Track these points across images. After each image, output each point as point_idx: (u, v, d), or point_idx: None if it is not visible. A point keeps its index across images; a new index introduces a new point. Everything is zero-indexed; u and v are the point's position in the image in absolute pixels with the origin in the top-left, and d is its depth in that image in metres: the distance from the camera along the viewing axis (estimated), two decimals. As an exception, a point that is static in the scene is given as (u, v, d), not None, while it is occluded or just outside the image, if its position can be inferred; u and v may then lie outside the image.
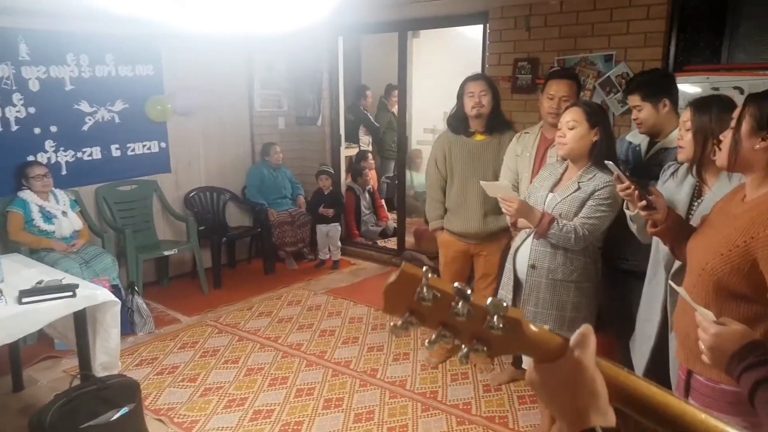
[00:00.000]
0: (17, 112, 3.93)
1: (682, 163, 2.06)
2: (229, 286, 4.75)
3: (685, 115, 1.97)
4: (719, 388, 1.44)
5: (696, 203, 1.99)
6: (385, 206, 6.31)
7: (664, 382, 1.83)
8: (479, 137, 3.13)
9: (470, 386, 3.19)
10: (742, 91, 3.07)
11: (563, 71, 3.33)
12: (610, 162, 2.01)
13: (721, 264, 1.39)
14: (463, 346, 0.57)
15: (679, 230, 1.71)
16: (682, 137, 1.98)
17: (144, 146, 4.65)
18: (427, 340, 0.57)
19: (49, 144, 4.12)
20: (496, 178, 3.03)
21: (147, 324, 3.86)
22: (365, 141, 6.80)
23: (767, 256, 1.30)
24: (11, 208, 3.66)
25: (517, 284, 2.57)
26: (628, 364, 2.15)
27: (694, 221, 1.83)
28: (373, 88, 6.82)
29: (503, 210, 2.48)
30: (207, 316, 4.17)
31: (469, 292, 0.54)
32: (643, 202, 1.74)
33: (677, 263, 1.96)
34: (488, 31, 4.27)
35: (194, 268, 4.70)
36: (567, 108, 2.49)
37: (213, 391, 3.15)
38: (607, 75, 3.70)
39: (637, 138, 2.60)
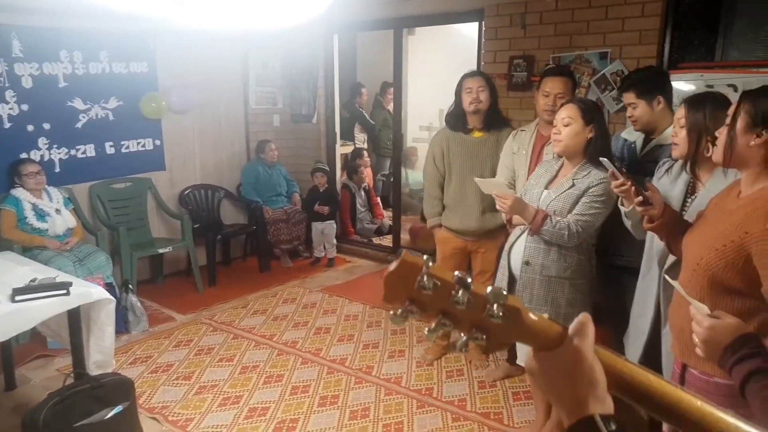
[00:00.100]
0: (10, 109, 3.90)
1: (676, 160, 2.06)
2: (224, 284, 4.74)
3: (680, 112, 1.97)
4: (713, 381, 1.45)
5: (690, 199, 2.00)
6: (380, 204, 6.31)
7: (658, 377, 1.83)
8: (477, 134, 3.13)
9: (465, 383, 3.20)
10: (736, 89, 3.08)
11: (558, 68, 3.34)
12: (605, 159, 2.01)
13: (716, 259, 1.40)
14: (462, 334, 0.57)
15: (675, 226, 1.72)
16: (676, 134, 1.99)
17: (138, 144, 4.63)
18: (426, 328, 0.57)
19: (42, 141, 4.09)
20: (493, 175, 3.03)
21: (141, 322, 3.85)
22: (360, 138, 6.80)
23: (761, 251, 1.31)
24: (3, 206, 3.64)
25: (512, 281, 2.57)
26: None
27: (688, 217, 1.84)
28: (368, 86, 6.81)
29: (497, 207, 2.48)
30: (202, 314, 4.16)
31: (469, 280, 0.54)
32: (640, 198, 1.74)
33: (671, 259, 1.97)
34: (484, 28, 4.27)
35: (189, 265, 4.68)
36: (562, 105, 2.49)
37: (208, 389, 3.14)
38: (602, 72, 3.71)
39: (632, 135, 2.61)
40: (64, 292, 2.46)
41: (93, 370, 2.64)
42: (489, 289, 0.55)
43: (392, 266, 0.54)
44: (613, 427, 0.57)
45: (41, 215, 3.72)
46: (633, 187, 1.77)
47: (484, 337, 0.56)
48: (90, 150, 4.36)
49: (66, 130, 4.20)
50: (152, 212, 4.73)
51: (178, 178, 4.93)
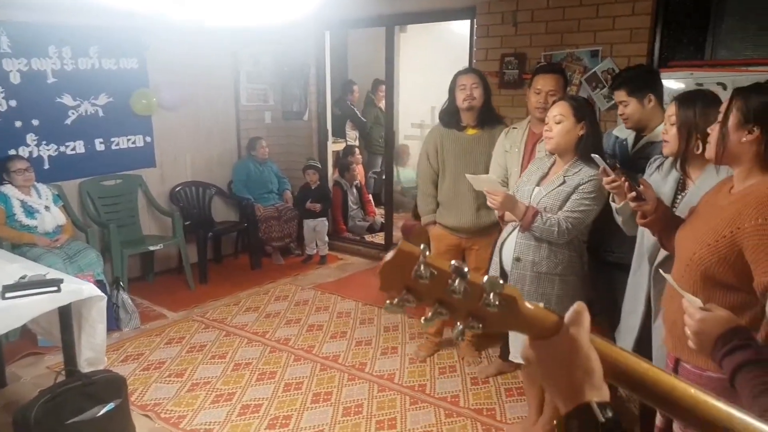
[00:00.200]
0: (-2, 105, 3.87)
1: (667, 157, 2.08)
2: (216, 282, 4.72)
3: (670, 110, 1.99)
4: (706, 375, 1.47)
5: (680, 196, 2.02)
6: (372, 201, 6.31)
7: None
8: (471, 131, 3.14)
9: (458, 379, 3.21)
10: (725, 87, 3.12)
11: (550, 66, 3.35)
12: (597, 155, 2.03)
13: (709, 254, 1.42)
14: (458, 323, 0.58)
15: (667, 221, 1.74)
16: (667, 131, 2.00)
17: (129, 140, 4.60)
18: (423, 317, 0.58)
19: (30, 138, 4.06)
20: (487, 171, 3.04)
21: (132, 320, 3.83)
22: (352, 136, 6.80)
23: (753, 246, 1.33)
24: (-8, 203, 3.60)
25: (503, 277, 2.58)
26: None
27: (679, 213, 1.85)
28: (359, 83, 6.81)
29: (488, 203, 2.49)
30: (193, 311, 4.14)
31: (466, 269, 0.54)
32: (633, 193, 1.76)
33: (661, 255, 1.99)
34: (475, 26, 4.28)
35: (180, 263, 4.66)
36: (554, 102, 2.51)
37: (200, 386, 3.13)
38: (593, 70, 3.73)
39: (623, 132, 2.63)
40: (55, 289, 2.44)
41: (84, 368, 2.63)
42: (485, 278, 0.56)
43: (389, 255, 0.54)
44: (610, 414, 0.57)
45: (30, 212, 3.69)
46: (627, 183, 1.79)
47: (480, 325, 0.57)
48: (80, 146, 4.33)
49: (55, 127, 4.17)
50: (143, 209, 4.70)
51: (168, 175, 4.90)
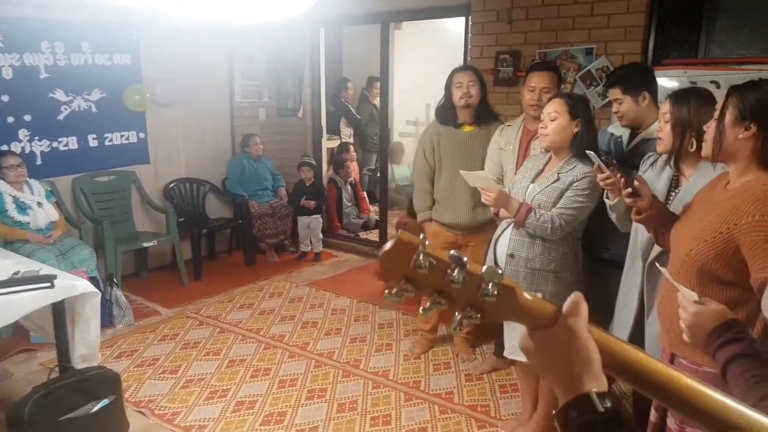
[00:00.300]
0: (-11, 100, 3.84)
1: (660, 154, 2.09)
2: (210, 278, 4.71)
3: (665, 107, 2.00)
4: (702, 370, 1.48)
5: (674, 193, 2.04)
6: (366, 198, 6.31)
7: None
8: (467, 128, 3.14)
9: (452, 376, 3.22)
10: (718, 86, 3.13)
11: (544, 63, 3.36)
12: (591, 152, 2.04)
13: (705, 250, 1.43)
14: (456, 313, 0.58)
15: (662, 217, 1.75)
16: (661, 129, 2.01)
17: (122, 136, 4.58)
18: (421, 308, 0.58)
19: (23, 133, 4.03)
20: (483, 169, 3.04)
21: (126, 316, 3.82)
22: (346, 133, 6.79)
23: (749, 242, 1.34)
24: (-16, 199, 3.58)
25: (498, 273, 2.58)
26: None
27: (673, 210, 1.87)
28: (354, 81, 6.80)
29: (482, 199, 2.49)
30: (187, 308, 4.13)
31: (465, 259, 0.54)
32: (629, 189, 1.77)
33: (654, 251, 2.00)
34: (470, 23, 4.28)
35: (174, 260, 4.65)
36: (549, 99, 2.51)
37: (194, 382, 3.12)
38: (587, 68, 3.75)
39: (618, 129, 2.64)
40: (49, 285, 2.42)
41: (78, 364, 2.61)
42: (484, 267, 0.56)
43: (388, 245, 0.54)
44: (608, 404, 0.58)
45: (22, 208, 3.66)
46: (623, 179, 1.80)
47: (479, 315, 0.57)
48: (72, 142, 4.30)
49: (48, 122, 4.14)
50: (136, 206, 4.68)
51: (162, 171, 4.89)
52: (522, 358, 2.52)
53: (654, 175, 2.11)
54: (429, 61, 6.38)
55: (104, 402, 2.46)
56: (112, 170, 4.53)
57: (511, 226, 2.51)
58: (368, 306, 4.17)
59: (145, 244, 4.43)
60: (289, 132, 5.69)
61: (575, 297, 0.62)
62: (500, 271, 0.56)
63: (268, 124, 5.66)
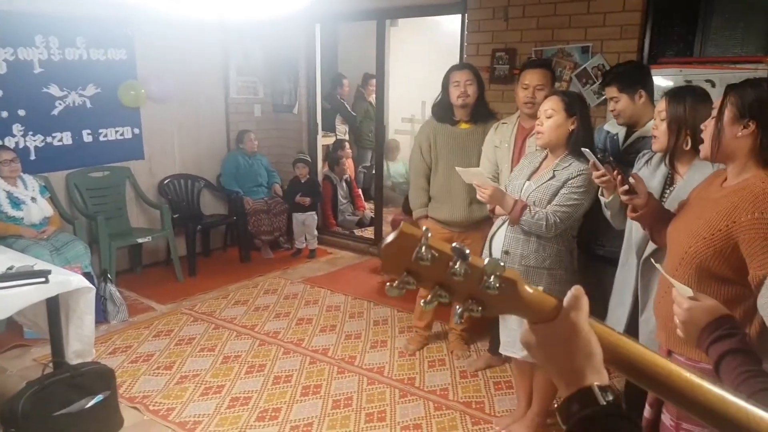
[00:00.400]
0: (-17, 95, 3.81)
1: (656, 152, 2.10)
2: (204, 275, 4.70)
3: (660, 105, 2.01)
4: (699, 367, 1.48)
5: (668, 190, 2.05)
6: (362, 196, 6.30)
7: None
8: (464, 126, 3.15)
9: (447, 372, 3.23)
10: (713, 84, 3.14)
11: (537, 61, 3.37)
12: (587, 150, 2.04)
13: (704, 247, 1.44)
14: (457, 306, 0.58)
15: (658, 215, 1.76)
16: (656, 127, 2.02)
17: (117, 132, 4.55)
18: (422, 300, 0.58)
19: (17, 128, 4.00)
20: (479, 166, 3.05)
21: (120, 312, 3.80)
22: (342, 130, 6.78)
23: (748, 239, 1.35)
24: (-23, 194, 3.55)
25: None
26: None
27: (668, 207, 1.88)
28: (349, 77, 6.78)
29: (477, 196, 2.50)
30: (182, 304, 4.12)
31: (467, 252, 0.55)
32: (626, 187, 1.77)
33: (649, 249, 2.01)
34: (466, 21, 4.28)
35: (168, 256, 4.63)
36: (546, 97, 2.52)
37: (189, 378, 3.12)
38: (583, 66, 3.76)
39: (614, 127, 2.65)
40: (43, 280, 2.41)
41: (72, 360, 2.61)
42: (487, 260, 0.56)
43: (390, 237, 0.54)
44: (610, 397, 0.58)
45: (16, 203, 3.64)
46: (619, 176, 1.80)
47: (480, 308, 0.57)
48: (67, 138, 4.27)
49: (42, 117, 4.11)
50: (131, 202, 4.66)
51: (157, 167, 4.86)
52: (516, 354, 2.53)
53: (649, 173, 2.12)
54: (425, 58, 6.38)
55: (98, 398, 2.46)
56: (106, 166, 4.50)
57: (506, 223, 2.51)
58: (363, 303, 4.17)
59: (140, 240, 4.41)
60: (285, 129, 5.68)
61: (576, 291, 0.62)
62: (502, 264, 0.56)
63: (263, 120, 5.64)
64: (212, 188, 5.24)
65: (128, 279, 4.50)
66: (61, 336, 2.58)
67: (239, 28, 5.02)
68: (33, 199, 3.71)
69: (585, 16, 3.71)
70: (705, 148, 1.50)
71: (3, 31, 3.83)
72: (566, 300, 0.61)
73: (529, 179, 2.49)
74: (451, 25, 5.23)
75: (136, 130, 4.67)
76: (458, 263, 0.54)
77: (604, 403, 0.58)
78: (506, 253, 2.48)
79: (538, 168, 2.50)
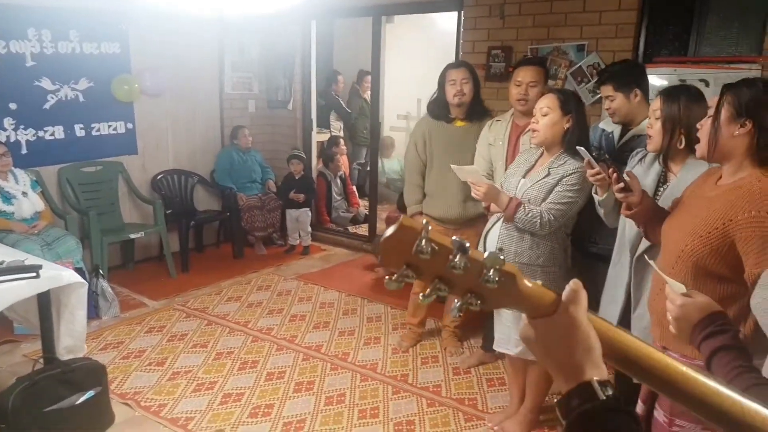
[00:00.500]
0: (-26, 87, 3.77)
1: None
2: (197, 271, 4.67)
3: (655, 104, 2.02)
4: (694, 364, 1.49)
5: (662, 188, 2.06)
6: (356, 192, 6.29)
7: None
8: (459, 123, 3.15)
9: (440, 369, 3.23)
10: (707, 84, 3.16)
11: (530, 59, 3.37)
12: (582, 148, 2.05)
13: (701, 245, 1.45)
14: (456, 300, 0.58)
15: (653, 212, 1.77)
16: (651, 126, 2.03)
17: (110, 127, 4.52)
18: (421, 294, 0.57)
19: (8, 122, 3.96)
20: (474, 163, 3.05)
21: (112, 308, 3.78)
22: (336, 126, 6.77)
23: (744, 237, 1.36)
24: (-32, 187, 3.51)
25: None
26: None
27: (661, 205, 1.88)
28: (344, 74, 6.77)
29: (472, 194, 2.50)
30: (174, 300, 4.10)
31: (467, 245, 0.54)
32: (621, 184, 1.78)
33: (642, 246, 2.02)
34: (463, 18, 4.28)
35: (161, 251, 4.60)
36: (538, 94, 2.52)
37: (181, 374, 3.10)
38: (578, 65, 3.76)
39: (610, 125, 2.66)
40: (34, 275, 2.39)
41: (63, 355, 2.59)
42: (486, 253, 0.56)
43: (390, 230, 0.54)
44: (610, 392, 0.58)
45: (7, 198, 3.60)
46: (615, 174, 1.81)
47: (479, 302, 0.57)
48: (59, 132, 4.24)
49: (33, 111, 4.07)
50: (124, 197, 4.63)
51: (150, 162, 4.83)
52: (510, 351, 2.54)
53: (642, 171, 2.13)
54: (420, 55, 6.37)
55: (90, 393, 2.44)
56: (99, 161, 4.47)
57: (500, 221, 2.52)
58: (357, 299, 4.17)
59: (132, 236, 4.38)
60: (279, 124, 5.66)
61: (574, 285, 0.62)
62: (502, 257, 0.56)
63: (257, 116, 5.62)
64: (206, 184, 5.21)
65: (120, 274, 4.47)
66: (51, 331, 2.56)
67: (235, 23, 5.00)
68: (24, 193, 3.68)
69: (581, 15, 3.71)
70: (702, 148, 1.51)
71: (-5, 23, 3.80)
72: (565, 294, 0.61)
73: (524, 177, 2.49)
74: (447, 22, 5.23)
75: (130, 125, 4.64)
76: (458, 256, 0.54)
77: (604, 397, 0.58)
78: (500, 250, 2.43)
79: (533, 165, 2.51)
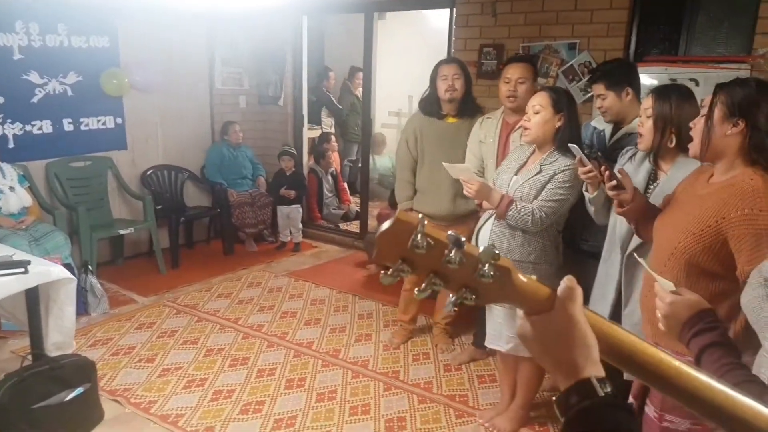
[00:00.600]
0: (-40, 80, 3.72)
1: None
2: (187, 267, 4.65)
3: (647, 103, 2.03)
4: (686, 360, 1.51)
5: (652, 186, 2.07)
6: (347, 189, 6.28)
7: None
8: (451, 120, 3.15)
9: (431, 366, 3.24)
10: (697, 83, 3.18)
11: (519, 56, 3.39)
12: (574, 145, 2.06)
13: (693, 243, 1.46)
14: (450, 294, 0.58)
15: (644, 210, 1.78)
16: (642, 124, 2.04)
17: (99, 121, 4.47)
18: (416, 289, 0.57)
19: (-6, 115, 3.92)
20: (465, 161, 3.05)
21: (101, 304, 3.75)
22: (327, 123, 6.75)
23: (737, 235, 1.38)
24: (-46, 182, 3.47)
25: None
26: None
27: (653, 203, 1.90)
28: (336, 70, 6.75)
29: (464, 191, 2.51)
30: (164, 296, 4.07)
31: (463, 239, 0.54)
32: (614, 182, 1.79)
33: (633, 243, 2.03)
34: (455, 15, 4.28)
35: (151, 247, 4.57)
36: (527, 91, 2.52)
37: (171, 371, 3.09)
38: (570, 63, 3.77)
39: (601, 124, 2.67)
40: (22, 270, 2.36)
41: (52, 351, 2.57)
42: (482, 248, 0.56)
43: (386, 225, 0.54)
44: (608, 389, 0.58)
45: (-6, 192, 3.56)
46: (607, 172, 1.82)
47: (474, 297, 0.57)
48: (47, 126, 4.19)
49: (21, 105, 4.02)
50: (113, 192, 4.59)
51: (140, 158, 4.79)
52: (501, 347, 2.55)
53: (632, 169, 2.14)
54: (412, 52, 6.37)
55: (79, 390, 2.42)
56: (87, 155, 4.42)
57: (492, 218, 2.52)
58: (348, 296, 4.17)
59: (122, 232, 4.35)
60: (270, 120, 5.63)
61: (569, 281, 0.62)
62: (497, 252, 0.56)
63: (248, 112, 5.59)
64: (196, 180, 5.18)
65: (109, 271, 4.43)
66: (40, 328, 2.53)
67: (226, 18, 4.96)
68: (11, 188, 3.63)
69: (572, 13, 3.73)
70: (695, 147, 1.52)
71: (-19, 16, 3.75)
72: (560, 290, 0.61)
73: (516, 174, 2.50)
74: (439, 19, 5.22)
75: (119, 120, 4.60)
76: (453, 251, 0.54)
77: (603, 394, 0.58)
78: (492, 247, 2.49)
79: (525, 163, 2.51)
